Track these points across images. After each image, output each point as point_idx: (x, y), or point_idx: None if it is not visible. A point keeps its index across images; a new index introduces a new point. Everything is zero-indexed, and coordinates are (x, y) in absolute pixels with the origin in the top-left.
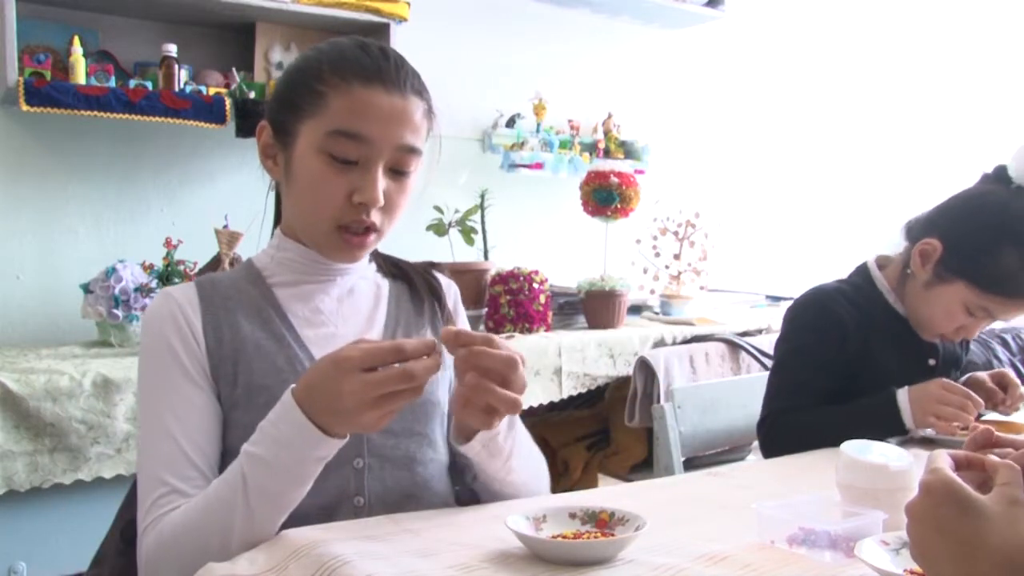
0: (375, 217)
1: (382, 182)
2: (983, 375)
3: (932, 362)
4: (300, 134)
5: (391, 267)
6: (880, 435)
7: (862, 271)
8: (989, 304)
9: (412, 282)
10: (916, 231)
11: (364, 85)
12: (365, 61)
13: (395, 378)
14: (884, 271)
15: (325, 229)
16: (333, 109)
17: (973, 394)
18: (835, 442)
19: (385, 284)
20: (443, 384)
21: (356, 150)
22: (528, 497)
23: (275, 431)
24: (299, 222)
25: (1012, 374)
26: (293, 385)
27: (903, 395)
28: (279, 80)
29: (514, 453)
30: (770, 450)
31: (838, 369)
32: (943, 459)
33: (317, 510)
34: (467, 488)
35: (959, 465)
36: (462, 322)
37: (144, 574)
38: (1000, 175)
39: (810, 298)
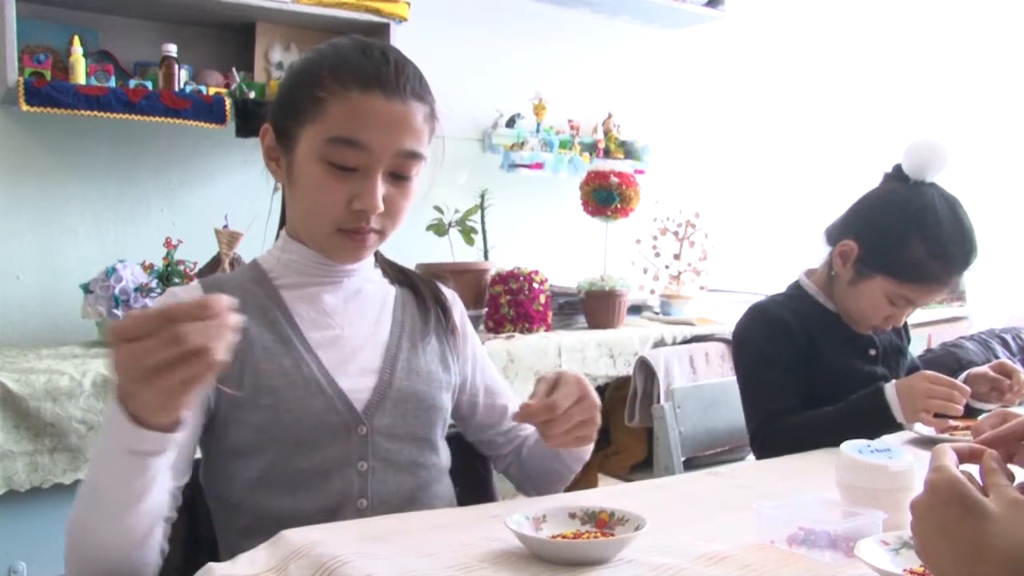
0: (375, 223)
1: (382, 188)
2: (983, 368)
3: (873, 351)
4: (300, 139)
5: (397, 274)
6: (873, 432)
7: (793, 284)
8: (907, 292)
9: (417, 290)
10: (834, 235)
11: (363, 92)
12: (365, 66)
13: (161, 343)
14: (812, 278)
15: (326, 232)
16: (332, 116)
17: (959, 383)
18: (830, 443)
19: (392, 289)
20: (446, 390)
21: (355, 157)
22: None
23: (107, 423)
24: (300, 225)
25: (1011, 363)
26: None
27: (890, 389)
28: (281, 82)
29: None
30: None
31: (799, 365)
32: (948, 455)
33: (321, 512)
34: (466, 488)
35: (963, 458)
36: (471, 340)
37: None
38: (898, 173)
39: (751, 314)
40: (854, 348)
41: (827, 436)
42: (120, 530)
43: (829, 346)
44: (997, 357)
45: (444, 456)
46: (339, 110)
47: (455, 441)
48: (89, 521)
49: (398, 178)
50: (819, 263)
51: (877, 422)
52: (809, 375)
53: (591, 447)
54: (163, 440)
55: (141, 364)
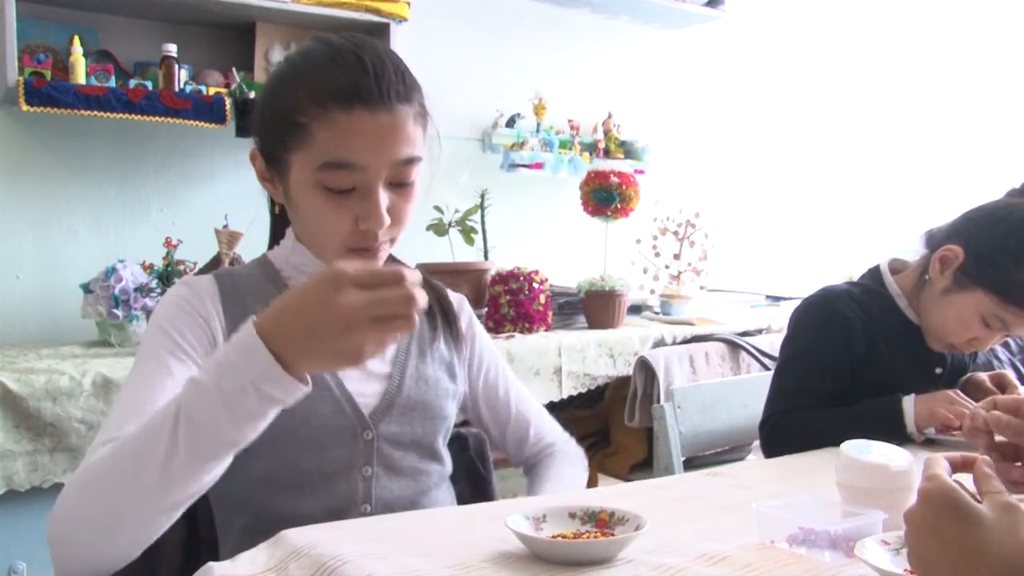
0: (384, 235)
1: (385, 201)
2: (982, 376)
3: (939, 370)
4: (291, 165)
5: None
6: (881, 438)
7: (874, 274)
8: (1007, 315)
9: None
10: (938, 239)
11: (345, 111)
12: (341, 80)
13: (398, 299)
14: (898, 276)
15: (337, 254)
16: (318, 141)
17: (972, 411)
18: (836, 443)
19: None
20: (452, 399)
21: (351, 178)
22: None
23: (222, 356)
24: (308, 243)
25: (1012, 376)
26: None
27: (908, 401)
28: (260, 103)
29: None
30: (772, 451)
31: (842, 371)
32: (940, 464)
33: (324, 515)
34: (466, 489)
35: (956, 467)
36: (480, 341)
37: (52, 521)
38: None
39: (817, 299)
40: (920, 363)
41: (835, 436)
42: (195, 471)
43: (892, 355)
44: (997, 357)
45: (446, 463)
46: (324, 134)
47: (455, 442)
48: (149, 454)
49: (399, 185)
50: (908, 256)
51: (887, 429)
52: (859, 377)
53: None
54: (297, 391)
55: (375, 311)
